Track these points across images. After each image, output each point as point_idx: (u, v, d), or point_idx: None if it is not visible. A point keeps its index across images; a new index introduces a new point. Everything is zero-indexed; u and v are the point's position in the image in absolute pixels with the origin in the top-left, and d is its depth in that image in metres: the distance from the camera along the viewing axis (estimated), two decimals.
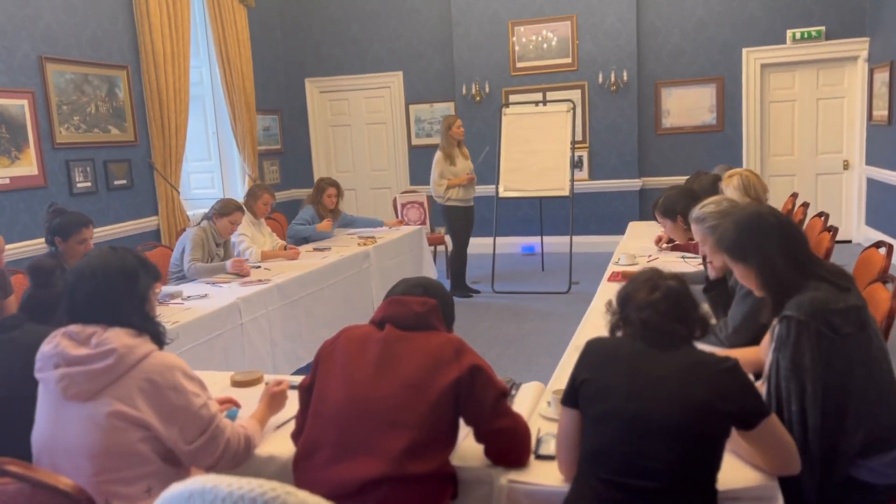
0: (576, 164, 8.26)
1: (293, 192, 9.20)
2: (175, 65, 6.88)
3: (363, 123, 9.15)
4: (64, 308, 1.82)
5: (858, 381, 1.87)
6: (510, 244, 8.29)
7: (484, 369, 1.77)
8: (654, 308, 1.65)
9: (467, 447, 1.88)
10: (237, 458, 1.87)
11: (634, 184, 8.23)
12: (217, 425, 1.81)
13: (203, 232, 4.48)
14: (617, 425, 1.57)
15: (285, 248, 5.15)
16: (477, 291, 6.66)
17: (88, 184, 6.15)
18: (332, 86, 9.09)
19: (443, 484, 1.70)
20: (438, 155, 6.43)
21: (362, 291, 5.33)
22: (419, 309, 1.83)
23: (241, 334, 3.87)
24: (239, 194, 7.54)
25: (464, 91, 8.43)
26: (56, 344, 1.77)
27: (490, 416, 1.73)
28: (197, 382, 1.82)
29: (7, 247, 5.11)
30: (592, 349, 1.69)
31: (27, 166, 5.57)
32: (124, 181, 6.53)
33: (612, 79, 8.05)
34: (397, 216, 7.53)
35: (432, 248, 7.11)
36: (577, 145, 8.22)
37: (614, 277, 3.74)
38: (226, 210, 4.51)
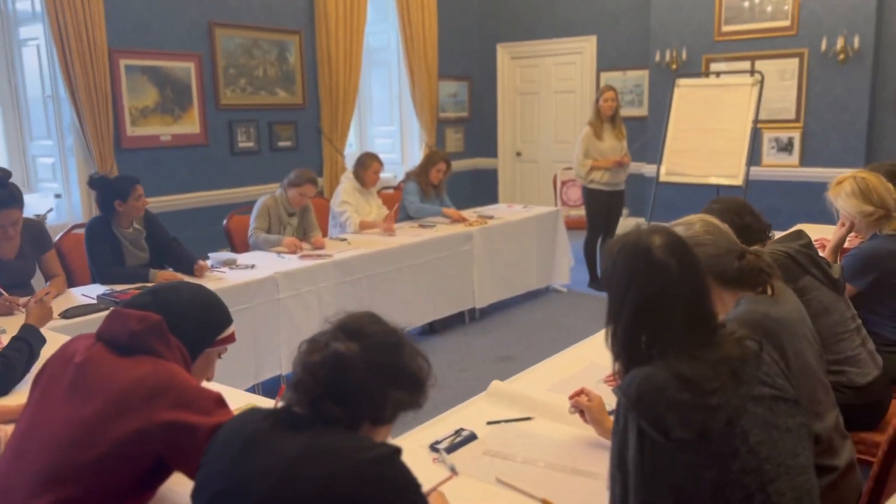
0: (784, 147, 6.96)
1: (476, 160, 9.00)
2: (349, 30, 6.96)
3: (551, 92, 8.61)
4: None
5: None
6: None
7: (187, 428, 1.39)
8: (309, 373, 1.20)
9: None
10: None
11: None
12: None
13: (273, 201, 4.45)
14: None
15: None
16: None
17: (251, 144, 6.51)
18: (524, 51, 8.66)
19: None
20: (586, 130, 5.76)
21: (459, 276, 4.97)
22: (135, 326, 1.48)
23: (279, 309, 3.79)
24: (416, 160, 7.41)
25: (657, 58, 7.49)
26: None
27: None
28: None
29: (164, 198, 5.62)
30: (227, 425, 1.26)
31: (189, 125, 6.02)
32: (289, 143, 6.82)
33: (840, 45, 6.57)
34: (556, 194, 6.97)
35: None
36: (788, 125, 6.91)
37: None
38: (297, 181, 4.43)
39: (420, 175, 5.38)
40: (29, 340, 2.24)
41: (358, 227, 4.87)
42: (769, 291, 1.87)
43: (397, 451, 1.18)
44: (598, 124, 5.68)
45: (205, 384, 1.57)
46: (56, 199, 5.45)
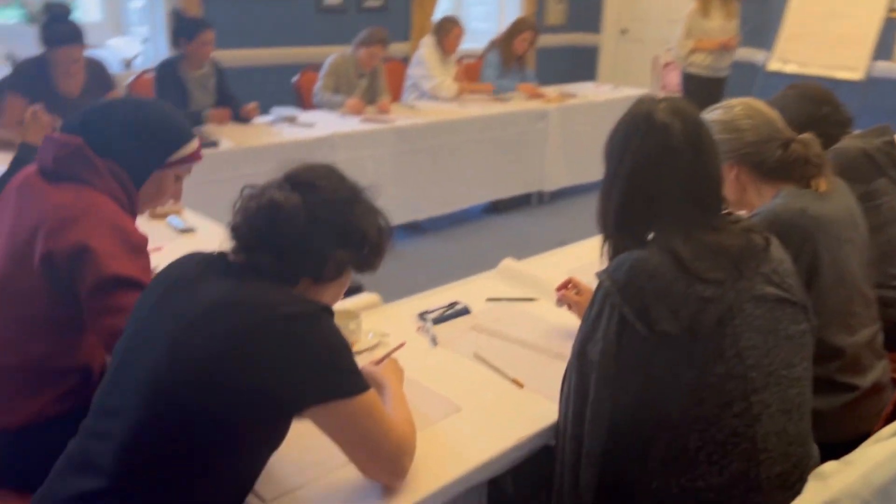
0: None
1: (577, 36, 8.44)
2: None
3: None
4: None
5: (675, 415, 1.19)
6: None
7: (95, 252, 1.31)
8: (244, 219, 1.13)
9: None
10: None
11: None
12: None
13: (343, 59, 4.31)
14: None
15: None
16: None
17: (338, 1, 6.31)
18: None
19: (38, 378, 1.41)
20: (692, 6, 5.23)
21: (529, 156, 4.76)
22: (57, 151, 1.39)
23: None
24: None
25: None
26: None
27: (88, 309, 1.33)
28: None
29: (244, 51, 5.57)
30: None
31: None
32: (378, 3, 6.58)
33: None
34: (655, 78, 6.48)
35: None
36: None
37: None
38: (368, 40, 4.25)
39: (503, 44, 5.06)
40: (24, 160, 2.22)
41: (456, 92, 4.70)
42: (818, 186, 1.64)
43: (324, 310, 1.11)
44: (707, 0, 5.13)
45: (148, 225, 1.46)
46: (143, 43, 5.52)
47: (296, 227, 1.12)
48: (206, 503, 1.06)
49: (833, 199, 1.66)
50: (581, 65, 8.47)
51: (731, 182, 1.69)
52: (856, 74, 5.02)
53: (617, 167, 1.28)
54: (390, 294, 1.90)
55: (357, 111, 4.12)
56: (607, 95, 5.30)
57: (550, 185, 4.96)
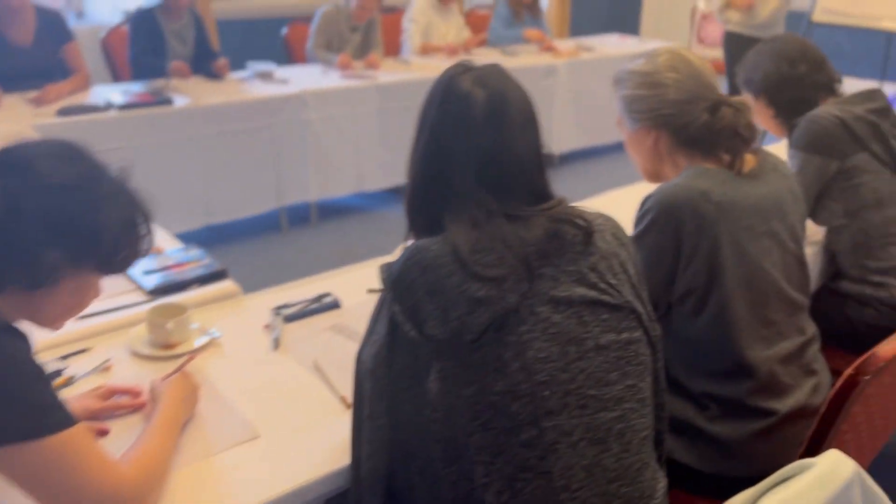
0: None
1: None
2: None
3: None
4: None
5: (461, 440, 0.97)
6: None
7: None
8: None
9: None
10: None
11: None
12: None
13: (335, 12, 4.02)
14: None
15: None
16: None
17: None
18: None
19: None
20: None
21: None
22: None
23: (306, 131, 3.51)
24: None
25: None
26: None
27: None
28: None
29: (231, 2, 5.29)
30: None
31: None
32: None
33: None
34: (691, 31, 5.97)
35: None
36: None
37: None
38: None
39: None
40: None
41: (419, 49, 4.38)
42: (741, 165, 1.33)
43: (3, 328, 0.89)
44: None
45: None
46: None
47: None
48: None
49: (757, 182, 1.34)
50: (622, 15, 7.92)
51: (649, 149, 1.42)
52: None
53: (415, 141, 1.06)
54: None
55: (346, 67, 3.86)
56: (629, 48, 4.88)
57: (559, 147, 4.61)
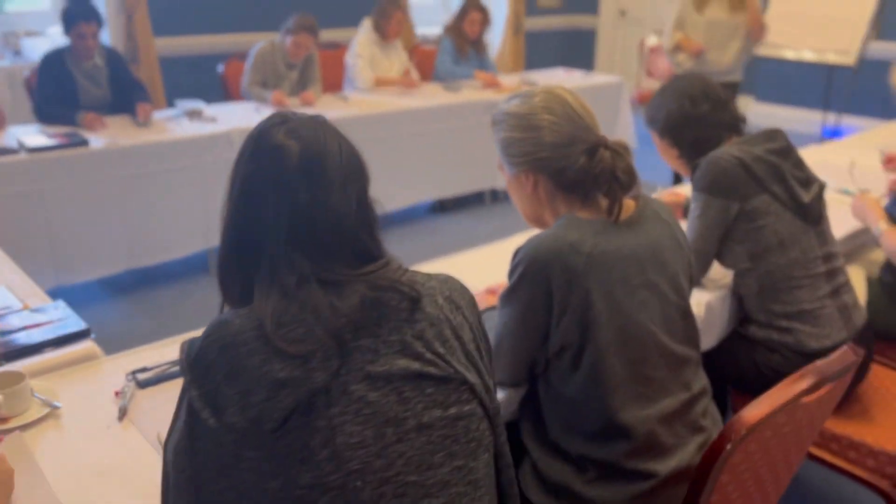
0: None
1: (573, 18, 7.96)
2: None
3: None
4: None
5: None
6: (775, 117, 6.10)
7: None
8: None
9: None
10: None
11: None
12: None
13: (271, 48, 3.96)
14: None
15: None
16: None
17: None
18: None
19: None
20: None
21: (480, 151, 4.35)
22: None
23: None
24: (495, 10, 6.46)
25: None
26: None
27: None
28: None
29: (171, 39, 5.09)
30: None
31: None
32: None
33: None
34: (641, 64, 6.00)
35: None
36: None
37: None
38: (294, 28, 3.86)
39: (452, 29, 4.65)
40: None
41: (372, 82, 4.33)
42: (619, 211, 1.26)
43: None
44: None
45: None
46: None
47: None
48: None
49: (635, 230, 1.27)
50: (576, 49, 8.00)
51: (529, 195, 1.34)
52: (847, 58, 4.50)
53: (226, 199, 0.96)
54: None
55: (280, 104, 3.78)
56: (575, 83, 4.86)
57: (499, 184, 4.56)
